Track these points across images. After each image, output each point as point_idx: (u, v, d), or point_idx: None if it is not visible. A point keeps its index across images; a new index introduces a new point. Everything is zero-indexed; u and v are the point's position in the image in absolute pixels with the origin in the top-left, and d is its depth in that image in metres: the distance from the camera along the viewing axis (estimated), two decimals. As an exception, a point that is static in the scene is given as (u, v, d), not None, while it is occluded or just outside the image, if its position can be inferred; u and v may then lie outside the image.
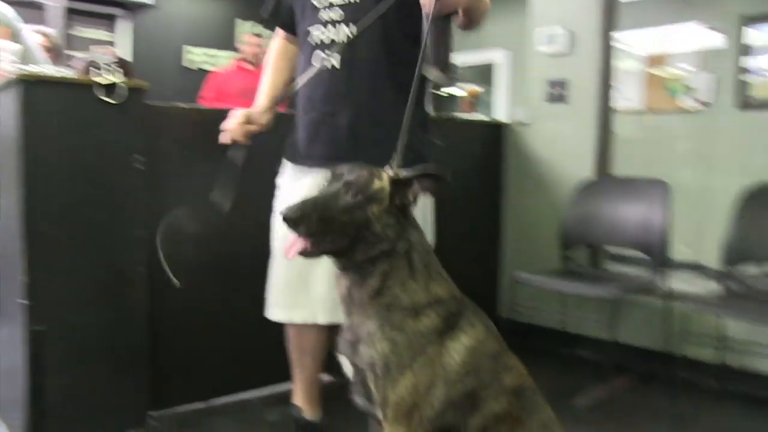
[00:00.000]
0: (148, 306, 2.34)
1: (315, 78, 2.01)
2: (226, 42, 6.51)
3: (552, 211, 3.35)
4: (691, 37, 4.64)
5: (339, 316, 2.07)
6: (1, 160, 2.27)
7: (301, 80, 2.07)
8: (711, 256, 4.24)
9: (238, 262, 2.61)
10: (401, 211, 1.51)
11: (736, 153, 4.61)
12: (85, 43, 5.43)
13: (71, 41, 5.55)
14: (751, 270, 2.77)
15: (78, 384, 2.21)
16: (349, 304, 1.56)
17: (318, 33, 2.03)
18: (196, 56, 6.41)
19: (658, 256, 2.86)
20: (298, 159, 2.13)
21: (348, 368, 1.61)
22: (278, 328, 2.66)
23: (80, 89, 2.14)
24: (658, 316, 2.96)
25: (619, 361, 2.70)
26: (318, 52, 2.02)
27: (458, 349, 1.54)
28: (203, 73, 5.77)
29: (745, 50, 4.48)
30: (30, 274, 2.07)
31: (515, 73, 6.05)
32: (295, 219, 1.44)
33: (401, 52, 1.97)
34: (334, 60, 1.98)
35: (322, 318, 2.10)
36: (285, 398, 2.67)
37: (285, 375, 2.78)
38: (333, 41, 1.98)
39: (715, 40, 4.61)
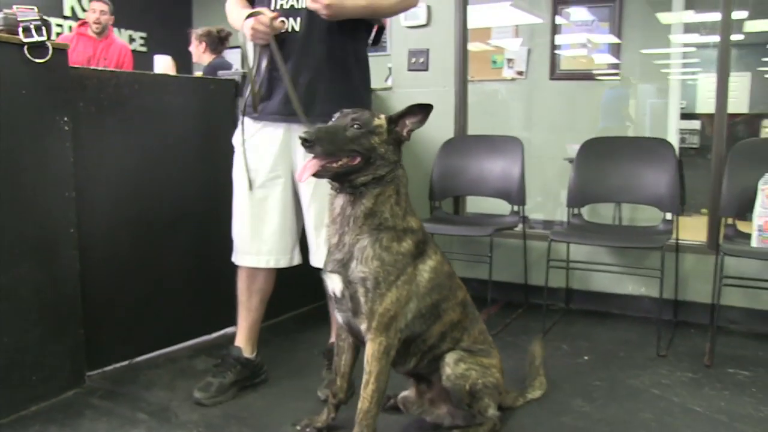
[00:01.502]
0: (80, 267, 2.36)
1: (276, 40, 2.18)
2: (55, 9, 6.05)
3: (418, 168, 3.75)
4: (509, 15, 5.34)
5: (293, 261, 2.35)
6: None
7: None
8: (538, 201, 5.01)
9: (159, 221, 2.69)
10: (397, 145, 1.85)
11: (548, 115, 5.44)
12: None
13: None
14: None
15: (17, 347, 2.19)
16: (343, 224, 1.85)
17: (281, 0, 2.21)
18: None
19: (517, 201, 3.39)
20: (259, 115, 2.28)
21: (336, 285, 1.87)
22: (199, 286, 2.83)
23: (6, 48, 2.10)
24: (518, 253, 3.53)
25: (488, 295, 3.19)
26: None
27: (426, 269, 1.91)
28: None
29: (556, 29, 5.28)
30: (-36, 236, 2.03)
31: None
32: (312, 140, 1.73)
33: (353, 21, 2.23)
34: (295, 24, 2.19)
35: (284, 262, 2.37)
36: (208, 348, 2.84)
37: (206, 328, 2.96)
38: (293, 6, 2.16)
39: (531, 18, 5.36)
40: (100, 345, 2.50)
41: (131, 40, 6.71)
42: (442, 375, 1.98)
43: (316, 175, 1.79)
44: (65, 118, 2.26)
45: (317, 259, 2.33)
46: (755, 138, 5.20)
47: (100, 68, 2.58)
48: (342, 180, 1.83)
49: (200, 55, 4.61)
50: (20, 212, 2.18)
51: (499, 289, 3.54)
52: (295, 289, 3.03)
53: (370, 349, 1.86)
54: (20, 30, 2.10)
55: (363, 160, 1.80)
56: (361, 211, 1.83)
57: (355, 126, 1.80)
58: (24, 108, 2.16)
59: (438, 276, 1.94)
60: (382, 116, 1.87)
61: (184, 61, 5.03)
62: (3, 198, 2.12)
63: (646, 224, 3.44)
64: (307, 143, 1.74)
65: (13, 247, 2.16)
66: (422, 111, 1.86)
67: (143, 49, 6.74)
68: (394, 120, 1.86)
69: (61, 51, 2.23)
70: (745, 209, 2.95)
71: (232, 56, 5.31)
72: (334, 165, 1.78)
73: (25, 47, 2.11)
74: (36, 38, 2.12)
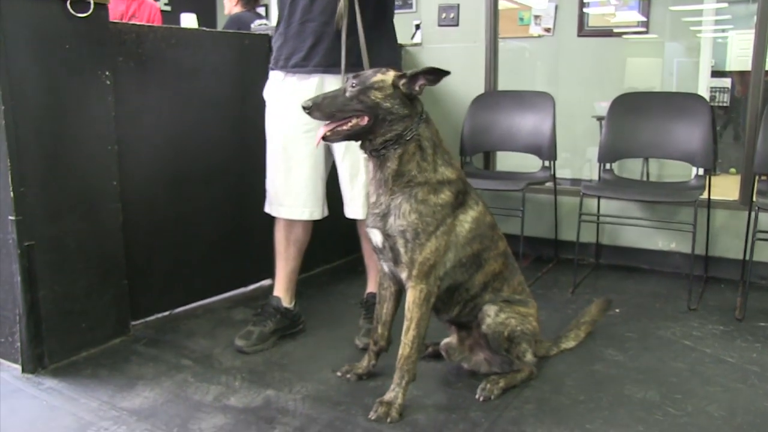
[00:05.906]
0: (123, 220, 2.42)
1: None
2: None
3: (449, 123, 3.75)
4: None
5: (323, 213, 2.45)
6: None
7: None
8: (566, 157, 5.01)
9: (197, 175, 2.74)
10: (409, 100, 1.85)
11: (576, 72, 5.38)
12: None
13: None
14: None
15: (66, 297, 2.26)
16: (377, 186, 1.91)
17: None
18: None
19: (547, 156, 3.39)
20: (295, 67, 2.30)
21: (377, 238, 1.92)
22: (235, 240, 2.89)
23: (50, 2, 2.12)
24: (548, 209, 3.54)
25: (520, 249, 3.21)
26: None
27: (468, 220, 1.94)
28: None
29: (585, -16, 5.19)
30: (16, 190, 2.08)
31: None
32: (309, 107, 1.82)
33: None
34: None
35: (317, 214, 2.43)
36: (245, 300, 2.91)
37: (242, 281, 3.03)
38: None
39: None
40: (142, 296, 2.57)
41: (155, -2, 6.69)
42: (482, 324, 2.03)
43: (326, 139, 1.85)
44: (107, 72, 2.29)
45: (351, 210, 2.39)
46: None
47: (138, 23, 2.58)
48: (362, 142, 1.88)
49: (232, 8, 4.67)
50: (65, 165, 2.23)
51: (529, 244, 3.56)
52: (327, 244, 3.09)
53: (411, 297, 1.90)
54: (64, -16, 2.12)
55: (371, 118, 1.83)
56: (389, 173, 1.87)
57: (352, 85, 1.83)
58: (67, 62, 2.19)
59: (479, 226, 1.97)
60: (390, 72, 1.86)
61: (207, 18, 5.05)
62: (49, 151, 2.17)
63: (675, 180, 3.44)
64: (306, 110, 1.83)
65: (59, 199, 2.22)
66: (438, 73, 1.83)
67: (167, 8, 6.72)
68: (410, 76, 1.83)
69: (101, 6, 2.24)
70: (779, 165, 2.93)
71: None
72: (344, 128, 1.84)
73: (68, 2, 2.13)
74: (78, -7, 2.14)
